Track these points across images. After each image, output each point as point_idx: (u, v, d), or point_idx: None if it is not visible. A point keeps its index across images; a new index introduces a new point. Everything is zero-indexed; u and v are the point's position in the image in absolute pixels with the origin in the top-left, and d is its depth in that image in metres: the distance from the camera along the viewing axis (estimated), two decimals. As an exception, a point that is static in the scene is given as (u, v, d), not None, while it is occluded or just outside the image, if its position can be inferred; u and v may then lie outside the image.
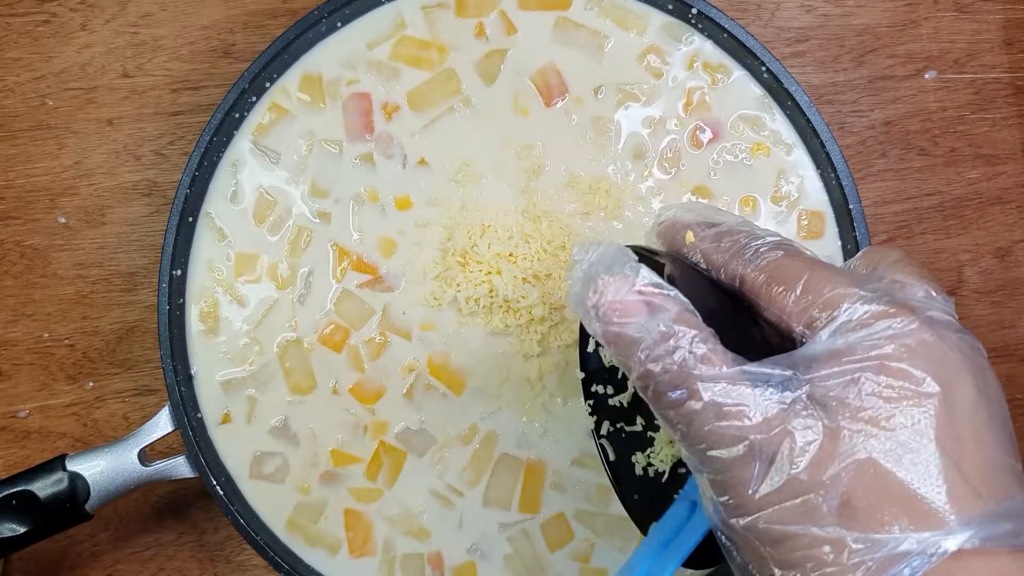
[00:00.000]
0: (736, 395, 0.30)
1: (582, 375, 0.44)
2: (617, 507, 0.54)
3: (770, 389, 0.30)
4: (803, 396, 0.30)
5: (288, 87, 0.57)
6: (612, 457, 0.43)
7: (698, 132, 0.56)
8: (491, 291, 0.54)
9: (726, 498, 0.30)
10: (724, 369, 0.31)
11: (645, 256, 0.38)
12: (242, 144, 0.57)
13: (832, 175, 0.55)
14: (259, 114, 0.57)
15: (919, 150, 0.63)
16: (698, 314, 0.32)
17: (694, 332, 0.31)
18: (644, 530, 0.41)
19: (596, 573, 0.55)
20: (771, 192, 0.56)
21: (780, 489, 0.29)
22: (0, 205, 0.61)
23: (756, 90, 0.56)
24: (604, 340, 0.32)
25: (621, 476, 0.42)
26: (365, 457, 0.55)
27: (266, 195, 0.56)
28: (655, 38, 0.57)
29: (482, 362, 0.55)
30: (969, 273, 0.62)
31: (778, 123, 0.56)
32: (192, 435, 0.54)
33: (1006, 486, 0.29)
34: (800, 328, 0.32)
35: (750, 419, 0.30)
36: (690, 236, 0.36)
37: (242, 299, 0.56)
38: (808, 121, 0.55)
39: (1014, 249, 0.63)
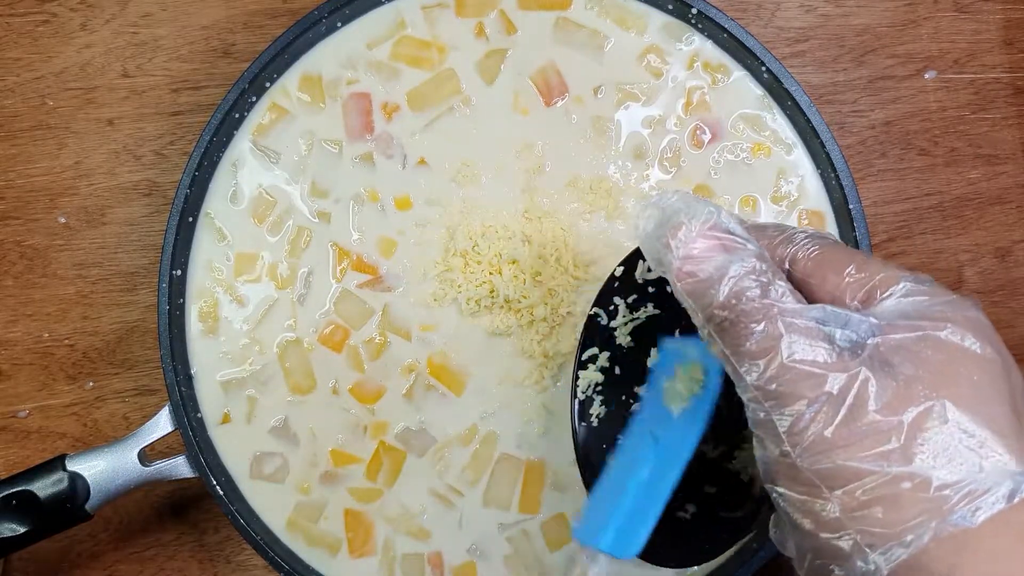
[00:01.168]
0: (817, 333, 0.31)
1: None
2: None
3: (848, 332, 0.31)
4: (876, 345, 0.31)
5: (288, 87, 0.57)
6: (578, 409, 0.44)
7: (698, 132, 0.56)
8: (492, 291, 0.54)
9: (795, 439, 0.31)
10: (806, 306, 0.32)
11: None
12: (242, 144, 0.57)
13: (832, 175, 0.55)
14: (259, 114, 0.57)
15: (919, 150, 0.63)
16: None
17: (778, 271, 0.33)
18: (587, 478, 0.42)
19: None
20: (771, 192, 0.56)
21: (856, 429, 0.30)
22: (0, 205, 0.61)
23: (756, 90, 0.56)
24: (678, 277, 0.33)
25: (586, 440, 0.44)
26: (365, 457, 0.55)
27: (266, 195, 0.56)
28: (655, 38, 0.57)
29: (482, 362, 0.55)
30: (969, 273, 0.62)
31: (778, 123, 0.56)
32: (192, 435, 0.53)
33: None
34: (855, 303, 0.33)
35: (829, 358, 0.31)
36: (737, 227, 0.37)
37: (242, 299, 0.56)
38: (808, 121, 0.55)
39: (1014, 249, 0.63)
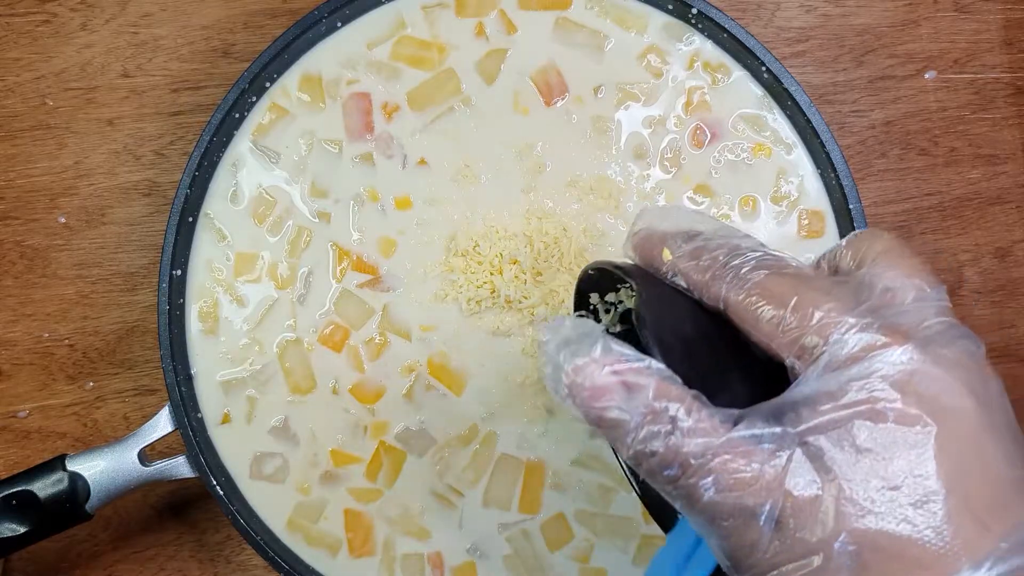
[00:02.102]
0: (731, 464, 0.29)
1: None
2: (617, 507, 0.54)
3: (765, 446, 0.29)
4: (798, 451, 0.29)
5: (288, 87, 0.57)
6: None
7: (699, 132, 0.56)
8: (493, 291, 0.54)
9: (736, 561, 0.30)
10: (714, 441, 0.29)
11: (619, 278, 0.37)
12: (242, 144, 0.57)
13: (832, 175, 0.55)
14: (259, 114, 0.57)
15: (919, 150, 0.63)
16: (678, 379, 0.30)
17: (677, 405, 0.30)
18: (662, 524, 0.41)
19: (596, 573, 0.55)
20: (771, 192, 0.56)
21: (789, 550, 0.29)
22: (0, 205, 0.61)
23: (756, 90, 0.56)
24: (588, 423, 0.31)
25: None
26: (365, 457, 0.55)
27: (266, 195, 0.56)
28: (655, 38, 0.57)
29: (482, 362, 0.55)
30: (969, 273, 0.62)
31: (778, 123, 0.56)
32: (192, 435, 0.53)
33: (1016, 510, 0.29)
34: (790, 360, 0.31)
35: (748, 484, 0.29)
36: (667, 254, 0.34)
37: (242, 299, 0.56)
38: (808, 121, 0.55)
39: (1014, 249, 0.63)
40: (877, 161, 0.62)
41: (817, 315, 0.30)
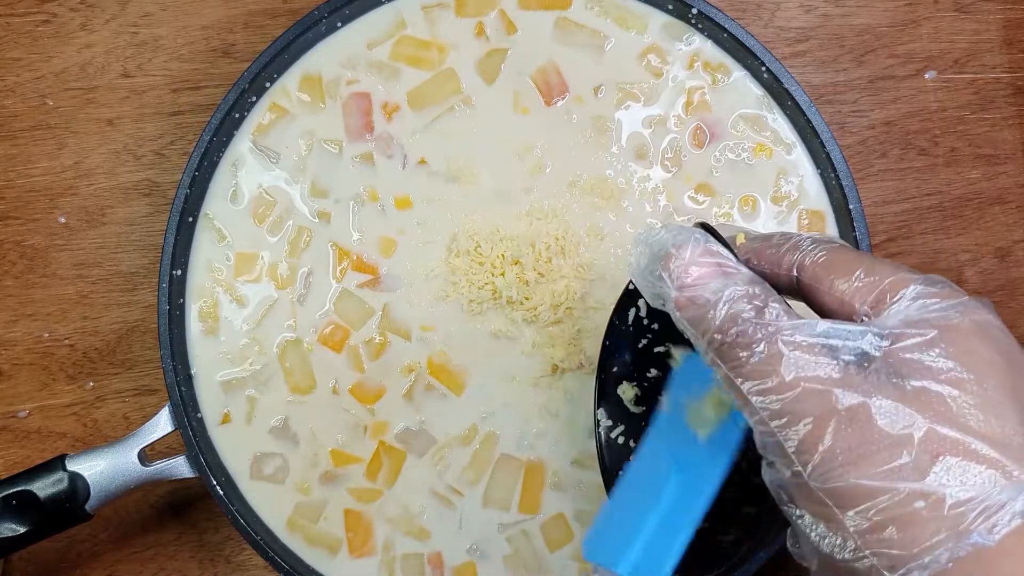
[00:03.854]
0: (820, 349, 0.31)
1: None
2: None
3: (852, 344, 0.31)
4: (883, 356, 0.31)
5: (288, 87, 0.57)
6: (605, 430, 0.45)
7: (699, 132, 0.56)
8: (494, 292, 0.54)
9: (805, 458, 0.30)
10: (805, 321, 0.31)
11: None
12: (242, 144, 0.57)
13: (832, 175, 0.55)
14: (259, 114, 0.57)
15: (919, 150, 0.63)
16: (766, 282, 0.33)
17: (773, 292, 0.33)
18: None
19: (596, 573, 0.55)
20: (771, 192, 0.56)
21: (866, 445, 0.29)
22: (0, 205, 0.61)
23: (756, 90, 0.56)
24: (676, 305, 0.33)
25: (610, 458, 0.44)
26: (365, 457, 0.55)
27: (266, 195, 0.56)
28: (655, 38, 0.57)
29: (482, 362, 0.55)
30: (969, 273, 0.62)
31: (778, 123, 0.56)
32: (192, 435, 0.53)
33: None
34: (864, 308, 0.33)
35: (834, 374, 0.30)
36: (741, 237, 0.37)
37: (242, 299, 0.56)
38: (808, 121, 0.55)
39: (1014, 249, 0.63)
40: (877, 161, 0.62)
41: (890, 274, 0.33)
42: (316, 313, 0.56)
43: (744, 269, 0.34)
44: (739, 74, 0.56)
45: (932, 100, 0.63)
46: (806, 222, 0.56)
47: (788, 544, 0.34)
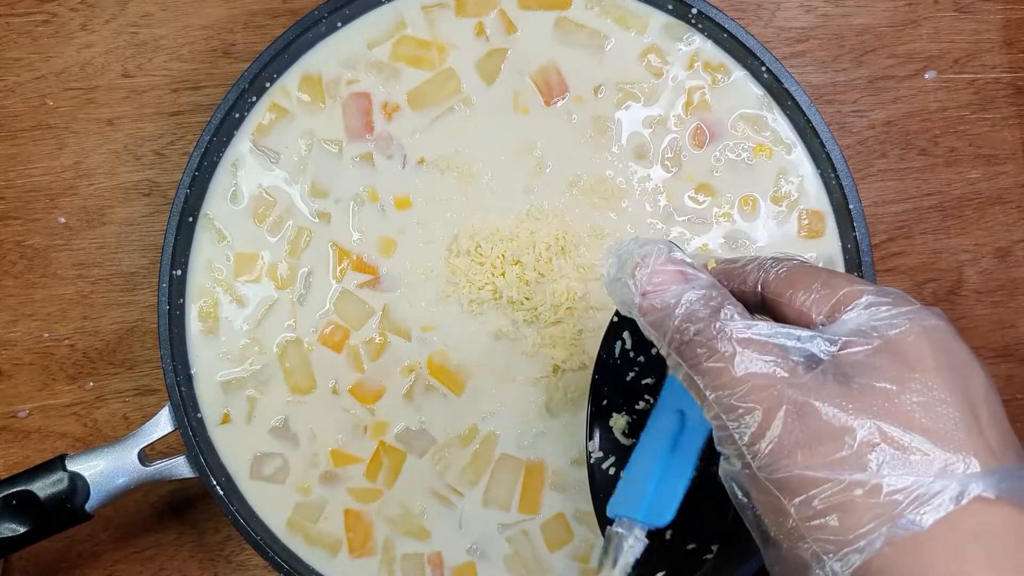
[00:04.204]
0: (770, 348, 0.33)
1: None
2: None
3: (801, 346, 0.33)
4: (831, 359, 0.32)
5: (288, 87, 0.57)
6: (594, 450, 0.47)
7: (699, 132, 0.56)
8: (495, 292, 0.54)
9: (754, 449, 0.32)
10: (755, 323, 0.33)
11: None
12: (242, 144, 0.57)
13: (832, 175, 0.55)
14: (259, 114, 0.57)
15: (919, 150, 0.63)
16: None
17: (729, 296, 0.35)
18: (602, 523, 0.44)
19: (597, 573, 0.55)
20: (771, 192, 0.56)
21: (810, 438, 0.31)
22: (0, 205, 0.61)
23: (756, 90, 0.56)
24: (640, 311, 0.36)
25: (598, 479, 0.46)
26: (365, 457, 0.55)
27: (266, 195, 0.56)
28: (656, 38, 0.57)
29: (482, 362, 0.55)
30: (969, 273, 0.62)
31: (778, 123, 0.56)
32: (192, 435, 0.53)
33: (1020, 455, 0.32)
34: (820, 318, 0.35)
35: (783, 372, 0.32)
36: (712, 263, 0.39)
37: (242, 299, 0.56)
38: (808, 121, 0.55)
39: (1014, 249, 0.63)
40: (877, 161, 0.62)
41: (846, 286, 0.35)
42: (316, 313, 0.56)
43: (704, 275, 0.36)
44: (739, 74, 0.56)
45: (932, 100, 0.63)
46: (806, 222, 0.56)
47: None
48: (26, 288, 0.61)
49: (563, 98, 0.57)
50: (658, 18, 0.57)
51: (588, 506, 0.54)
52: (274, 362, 0.55)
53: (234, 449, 0.55)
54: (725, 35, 0.56)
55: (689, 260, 0.36)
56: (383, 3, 0.57)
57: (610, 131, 0.56)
